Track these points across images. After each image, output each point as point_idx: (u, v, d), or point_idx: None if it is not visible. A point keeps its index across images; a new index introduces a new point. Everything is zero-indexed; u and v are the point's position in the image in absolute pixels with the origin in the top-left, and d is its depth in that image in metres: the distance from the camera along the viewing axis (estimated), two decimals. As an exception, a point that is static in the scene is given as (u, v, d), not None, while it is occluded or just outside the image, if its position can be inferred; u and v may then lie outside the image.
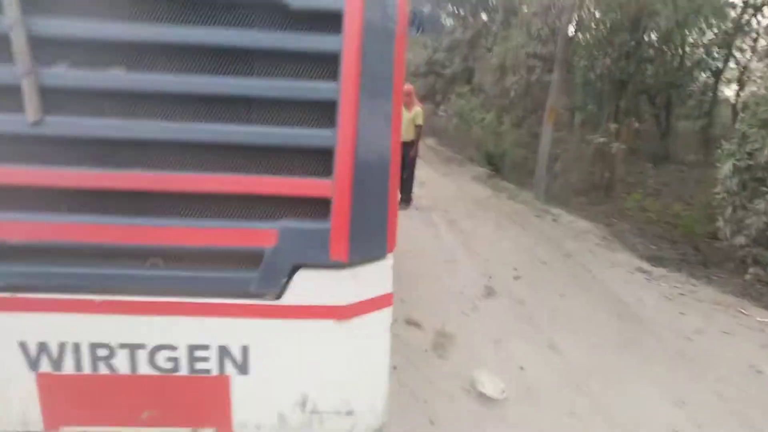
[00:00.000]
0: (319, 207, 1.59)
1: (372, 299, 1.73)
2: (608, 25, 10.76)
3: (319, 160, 1.59)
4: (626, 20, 10.13)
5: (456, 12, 20.99)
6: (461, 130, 15.26)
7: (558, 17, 11.22)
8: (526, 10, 14.09)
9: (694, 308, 4.74)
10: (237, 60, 1.58)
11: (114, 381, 1.66)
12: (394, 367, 3.43)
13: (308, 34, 1.54)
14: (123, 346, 1.63)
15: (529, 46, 13.00)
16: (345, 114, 1.55)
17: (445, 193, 9.38)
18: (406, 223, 7.04)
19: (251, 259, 1.59)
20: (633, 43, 10.00)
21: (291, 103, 1.60)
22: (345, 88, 1.54)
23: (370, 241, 1.68)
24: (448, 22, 21.95)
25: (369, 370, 1.79)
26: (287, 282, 1.61)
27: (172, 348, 1.63)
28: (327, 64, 1.56)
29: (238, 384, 1.68)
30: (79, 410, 1.69)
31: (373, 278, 1.72)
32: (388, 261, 1.75)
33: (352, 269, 1.65)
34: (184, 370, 1.65)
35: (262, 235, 1.59)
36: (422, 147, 17.59)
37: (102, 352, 1.62)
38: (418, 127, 7.62)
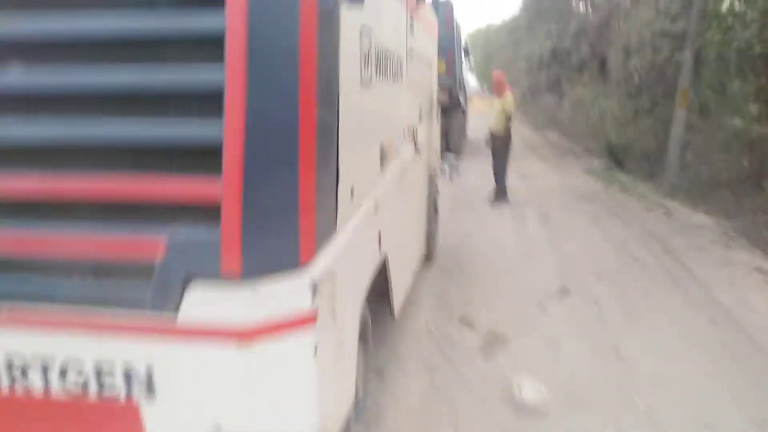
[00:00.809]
0: (210, 211, 1.40)
1: (282, 319, 1.47)
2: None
3: (207, 156, 1.39)
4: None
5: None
6: (581, 121, 14.28)
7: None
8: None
9: (816, 316, 3.94)
10: (98, 46, 1.43)
11: (23, 408, 1.55)
12: (432, 368, 3.33)
13: (182, 9, 1.39)
14: (27, 362, 1.50)
15: (657, 24, 11.75)
16: (232, 102, 1.35)
17: (549, 187, 8.85)
18: (493, 219, 6.78)
19: (146, 271, 1.43)
20: (778, 7, 8.54)
21: (168, 93, 1.44)
22: (231, 73, 1.34)
23: (272, 250, 1.46)
24: (575, 4, 20.68)
25: (290, 399, 1.55)
26: (180, 298, 1.43)
27: (79, 366, 1.49)
28: (208, 46, 1.36)
29: (148, 412, 1.51)
30: None
31: (282, 294, 1.47)
32: (305, 273, 1.50)
33: (251, 283, 1.42)
34: (92, 391, 1.51)
35: (151, 244, 1.41)
36: (539, 139, 16.85)
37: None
38: (508, 117, 7.28)
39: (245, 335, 1.44)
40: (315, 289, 1.49)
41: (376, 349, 3.28)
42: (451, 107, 11.53)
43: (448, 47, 10.71)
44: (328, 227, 1.67)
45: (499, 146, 7.61)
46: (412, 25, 3.14)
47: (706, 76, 10.71)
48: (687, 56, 8.78)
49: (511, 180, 9.33)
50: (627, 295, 4.36)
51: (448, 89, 10.92)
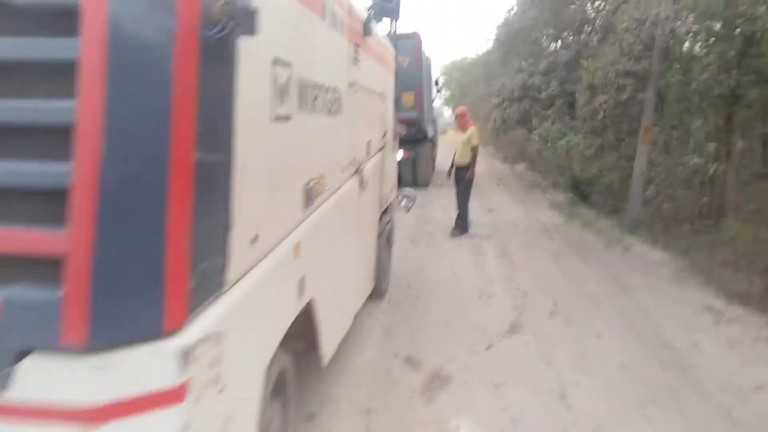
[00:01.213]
0: (53, 268, 1.22)
1: (139, 397, 1.25)
2: (704, 35, 9.66)
3: (53, 204, 1.22)
4: (724, 28, 9.02)
5: (554, 34, 20.25)
6: (549, 155, 14.46)
7: (652, 30, 10.34)
8: (622, 26, 13.18)
9: (764, 358, 3.89)
10: None
11: None
12: (368, 411, 3.15)
13: (32, 37, 1.24)
14: None
15: (620, 63, 12.08)
16: (84, 141, 1.19)
17: (512, 221, 8.83)
18: (451, 253, 6.68)
19: None
20: (733, 53, 8.84)
21: (10, 127, 1.27)
22: (84, 108, 1.19)
23: (128, 315, 1.26)
24: (546, 44, 21.22)
25: None
26: (11, 371, 1.22)
27: None
28: (60, 77, 1.22)
29: None
30: None
31: (138, 368, 1.25)
32: (171, 341, 1.29)
33: (99, 355, 1.22)
34: None
35: None
36: (508, 172, 17.02)
37: None
38: (473, 149, 7.29)
39: (91, 417, 1.22)
40: (185, 358, 1.28)
41: (309, 391, 3.10)
42: (419, 140, 11.59)
43: (416, 80, 10.80)
44: (211, 284, 1.45)
45: (462, 179, 7.59)
46: (356, 57, 3.04)
47: (668, 115, 11.00)
48: (650, 95, 9.01)
49: (476, 213, 9.34)
50: (579, 336, 4.27)
51: (415, 121, 10.99)
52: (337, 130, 2.74)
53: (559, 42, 20.21)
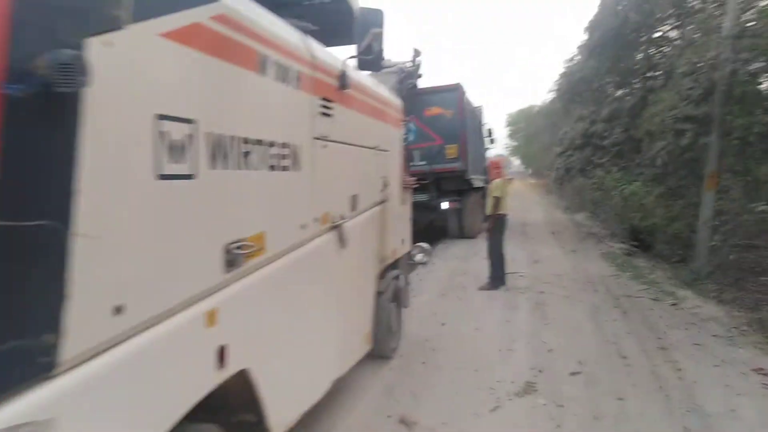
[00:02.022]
0: None
1: None
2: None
3: None
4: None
5: (617, 81, 19.78)
6: (607, 204, 13.82)
7: (710, 74, 9.86)
8: (679, 71, 12.69)
9: (814, 432, 3.35)
10: None
11: None
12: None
13: None
14: None
15: (678, 109, 11.54)
16: None
17: (557, 272, 8.40)
18: (480, 308, 6.42)
19: None
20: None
21: None
22: None
23: None
24: (609, 90, 20.72)
25: None
26: None
27: None
28: None
29: None
30: None
31: None
32: None
33: None
34: None
35: None
36: (566, 222, 16.36)
37: None
38: (494, 200, 7.13)
39: None
40: None
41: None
42: (465, 190, 11.49)
43: (460, 131, 10.83)
44: (30, 366, 1.28)
45: (490, 230, 7.40)
46: (326, 111, 2.92)
47: (730, 160, 10.28)
48: (713, 140, 8.54)
49: (519, 264, 9.02)
50: (599, 399, 3.89)
51: (459, 172, 10.95)
52: (292, 186, 2.58)
53: (623, 89, 19.67)
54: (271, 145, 2.31)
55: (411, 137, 11.06)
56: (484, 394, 3.99)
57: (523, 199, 28.73)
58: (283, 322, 2.59)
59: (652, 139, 12.77)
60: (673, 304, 6.35)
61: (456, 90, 11.08)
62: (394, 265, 4.67)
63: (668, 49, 15.57)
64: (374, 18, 2.95)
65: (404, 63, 10.32)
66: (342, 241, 3.24)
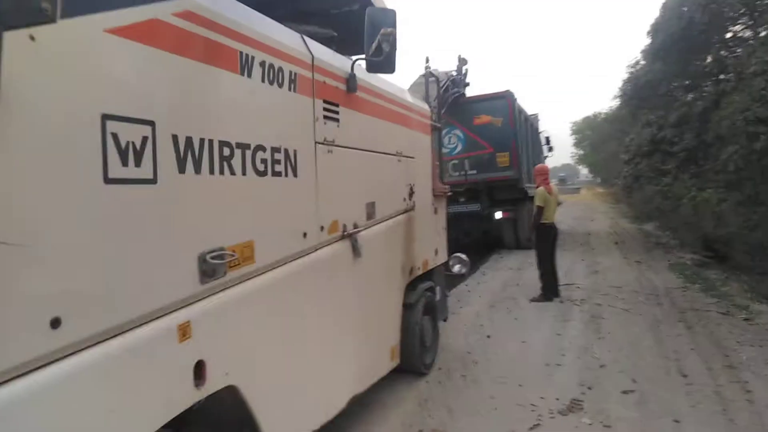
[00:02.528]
0: None
1: None
2: None
3: None
4: None
5: (686, 84, 18.72)
6: (677, 212, 12.95)
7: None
8: (750, 70, 11.79)
9: None
10: None
11: None
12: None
13: None
14: None
15: (750, 111, 10.69)
16: None
17: (618, 283, 7.91)
18: (531, 319, 6.13)
19: None
20: None
21: None
22: None
23: None
24: (677, 95, 19.63)
25: None
26: None
27: None
28: None
29: None
30: None
31: None
32: None
33: None
34: None
35: None
36: (633, 232, 15.48)
37: None
38: (537, 209, 6.89)
39: None
40: None
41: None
42: (519, 199, 11.15)
43: (510, 139, 10.54)
44: None
45: (536, 239, 7.11)
46: (331, 115, 2.79)
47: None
48: None
49: (577, 275, 8.61)
50: (651, 420, 3.56)
51: (511, 181, 10.63)
52: (288, 193, 2.43)
53: (692, 93, 18.57)
54: (260, 149, 2.20)
55: (460, 146, 10.88)
56: (524, 411, 3.75)
57: (589, 209, 27.63)
58: (283, 336, 2.44)
59: (723, 144, 11.92)
60: (746, 319, 5.79)
61: (505, 97, 10.82)
62: (426, 277, 4.47)
63: (740, 50, 14.57)
64: (385, 18, 2.77)
65: (449, 71, 10.18)
66: (356, 250, 3.08)
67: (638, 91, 22.51)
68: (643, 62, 20.15)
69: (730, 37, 14.84)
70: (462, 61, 10.77)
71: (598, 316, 6.18)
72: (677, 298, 6.91)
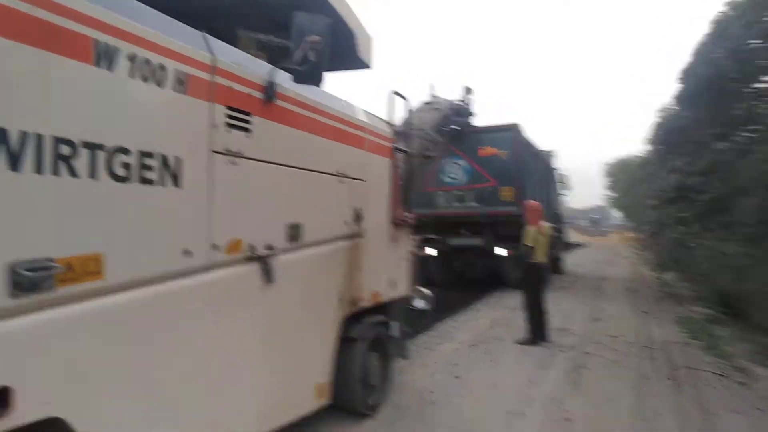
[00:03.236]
0: None
1: None
2: None
3: None
4: None
5: (718, 133, 18.19)
6: (693, 263, 12.36)
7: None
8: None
9: None
10: None
11: None
12: None
13: None
14: None
15: (776, 160, 10.20)
16: None
17: (616, 333, 7.47)
18: (507, 364, 5.79)
19: None
20: None
21: None
22: None
23: None
24: (708, 141, 19.08)
25: None
26: None
27: None
28: None
29: None
30: None
31: None
32: None
33: None
34: None
35: None
36: (650, 280, 14.84)
37: None
38: (525, 248, 6.61)
39: None
40: None
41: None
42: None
43: (515, 173, 10.27)
44: None
45: (524, 279, 6.81)
46: (237, 124, 2.54)
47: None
48: None
49: (575, 320, 8.24)
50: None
51: (514, 217, 10.32)
52: (164, 204, 2.16)
53: (723, 142, 18.00)
54: (121, 152, 1.97)
55: (464, 177, 10.64)
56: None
57: (614, 253, 26.85)
58: (148, 365, 2.15)
59: (745, 195, 11.41)
60: (742, 383, 5.32)
61: (510, 130, 10.57)
62: (378, 310, 4.17)
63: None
64: (313, 25, 2.59)
65: (453, 100, 10.05)
66: (268, 275, 2.80)
67: (668, 137, 21.98)
68: (675, 107, 19.71)
69: (763, 88, 14.37)
70: (467, 91, 10.65)
71: (582, 365, 5.79)
72: (674, 354, 6.45)
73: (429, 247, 11.10)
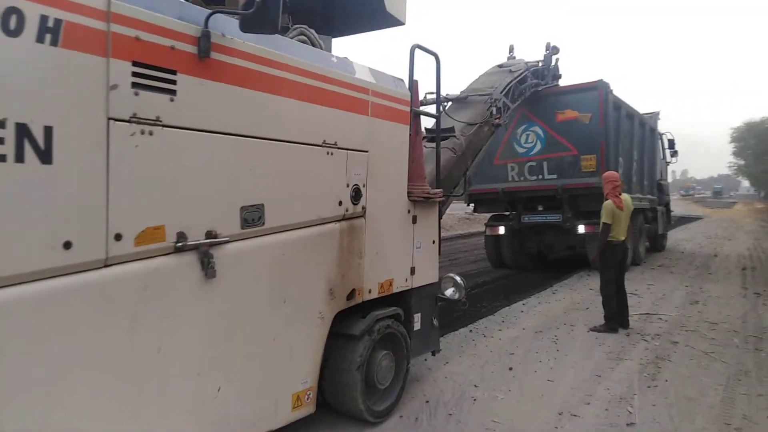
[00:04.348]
0: None
1: None
2: None
3: None
4: None
5: None
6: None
7: None
8: None
9: None
10: None
11: None
12: None
13: None
14: None
15: None
16: None
17: (716, 320, 6.47)
18: (573, 353, 5.18)
19: None
20: None
21: None
22: None
23: None
24: None
25: None
26: None
27: None
28: None
29: None
30: None
31: None
32: None
33: None
34: None
35: None
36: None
37: None
38: (603, 227, 5.86)
39: None
40: None
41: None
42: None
43: (599, 140, 9.21)
44: None
45: (601, 260, 6.02)
46: (153, 84, 2.12)
47: None
48: None
49: (669, 303, 7.36)
50: None
51: (599, 189, 9.30)
52: (21, 186, 1.77)
53: None
54: None
55: (539, 145, 9.75)
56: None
57: (734, 227, 24.01)
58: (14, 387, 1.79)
59: None
60: None
61: (596, 88, 9.34)
62: (392, 301, 3.68)
63: None
64: None
65: (532, 61, 9.15)
66: (208, 269, 2.35)
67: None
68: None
69: None
70: (552, 50, 9.68)
71: (665, 357, 5.01)
72: (787, 346, 5.41)
73: (499, 225, 10.41)
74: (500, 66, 8.94)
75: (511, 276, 10.31)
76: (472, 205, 11.05)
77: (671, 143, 14.33)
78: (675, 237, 17.76)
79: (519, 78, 8.26)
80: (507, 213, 10.64)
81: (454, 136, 6.13)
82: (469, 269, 11.37)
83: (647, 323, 6.26)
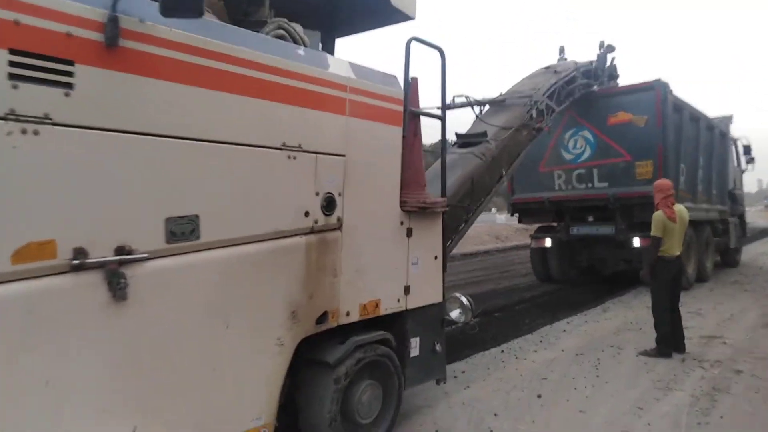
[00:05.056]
0: None
1: None
2: None
3: None
4: None
5: None
6: None
7: None
8: None
9: None
10: None
11: None
12: None
13: None
14: None
15: None
16: None
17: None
18: (620, 377, 4.65)
19: None
20: None
21: None
22: None
23: None
24: None
25: None
26: None
27: None
28: None
29: None
30: None
31: None
32: None
33: None
34: None
35: None
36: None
37: None
38: (654, 240, 5.29)
39: None
40: None
41: None
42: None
43: (656, 144, 8.47)
44: None
45: (653, 277, 5.42)
46: (39, 76, 1.82)
47: None
48: None
49: (739, 327, 6.57)
50: None
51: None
52: None
53: None
54: None
55: (589, 151, 9.09)
56: None
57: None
58: None
59: None
60: None
61: (652, 89, 8.56)
62: (378, 324, 3.26)
63: None
64: None
65: (583, 62, 8.58)
66: (117, 289, 2.02)
67: None
68: None
69: None
70: (607, 48, 9.07)
71: (723, 389, 4.37)
72: None
73: (545, 237, 9.77)
74: (546, 68, 8.45)
75: (560, 291, 9.65)
76: (516, 215, 10.48)
77: (747, 149, 13.12)
78: (753, 251, 16.28)
79: (567, 79, 7.74)
80: (554, 224, 10.01)
81: (486, 141, 5.74)
82: (518, 282, 10.81)
83: (708, 347, 5.57)
